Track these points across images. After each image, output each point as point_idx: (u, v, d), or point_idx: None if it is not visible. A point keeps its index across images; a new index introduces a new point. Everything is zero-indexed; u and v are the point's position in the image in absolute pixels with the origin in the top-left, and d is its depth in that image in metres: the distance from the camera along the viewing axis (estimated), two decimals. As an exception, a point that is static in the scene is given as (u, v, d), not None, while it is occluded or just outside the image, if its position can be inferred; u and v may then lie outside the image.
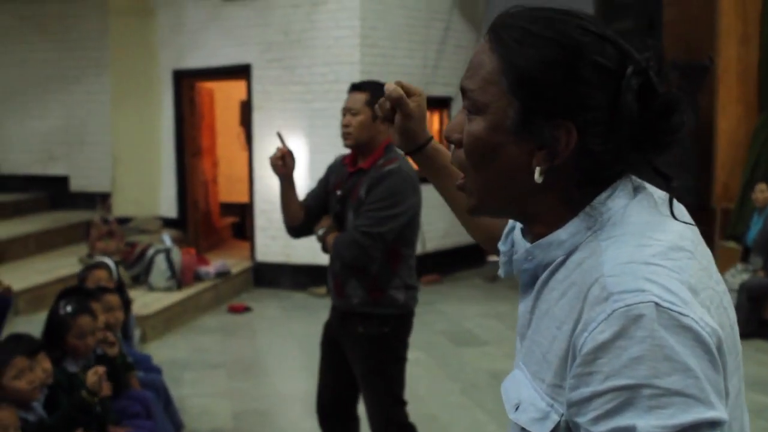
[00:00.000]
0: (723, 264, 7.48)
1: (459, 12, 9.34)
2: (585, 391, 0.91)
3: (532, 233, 1.12)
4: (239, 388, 5.65)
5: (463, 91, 1.10)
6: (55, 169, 10.29)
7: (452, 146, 1.15)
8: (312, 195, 3.53)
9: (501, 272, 1.51)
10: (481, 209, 1.14)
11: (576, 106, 1.00)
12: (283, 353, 6.63)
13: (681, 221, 1.05)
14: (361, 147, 3.31)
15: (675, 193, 1.07)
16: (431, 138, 1.55)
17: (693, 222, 1.08)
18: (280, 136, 3.40)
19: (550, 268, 1.07)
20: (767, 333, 6.60)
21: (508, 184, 1.07)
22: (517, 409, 1.08)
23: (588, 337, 0.92)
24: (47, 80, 10.15)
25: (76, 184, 10.25)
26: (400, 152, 3.39)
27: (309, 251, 8.63)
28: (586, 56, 1.00)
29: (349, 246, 3.21)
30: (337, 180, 3.43)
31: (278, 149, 3.28)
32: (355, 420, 3.61)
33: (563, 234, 1.05)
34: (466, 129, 1.08)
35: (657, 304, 0.89)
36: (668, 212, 1.05)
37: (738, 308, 6.52)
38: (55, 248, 8.47)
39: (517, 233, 1.41)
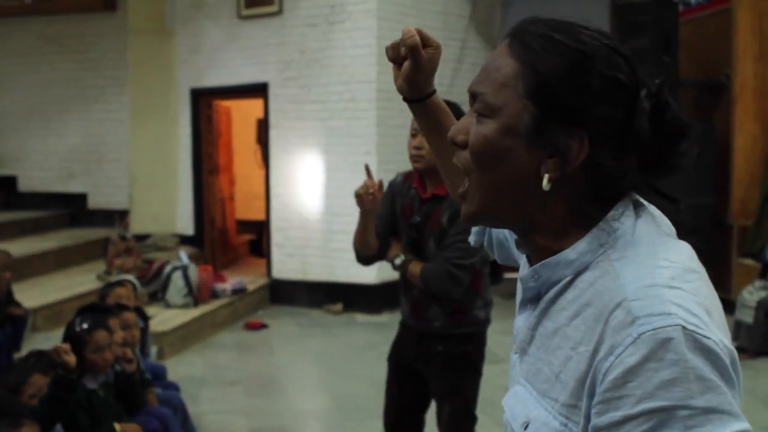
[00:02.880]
0: (740, 281, 7.44)
1: (475, 31, 9.38)
2: (615, 415, 0.91)
3: (534, 245, 1.11)
4: (256, 405, 5.66)
5: (474, 95, 1.09)
6: (74, 187, 10.37)
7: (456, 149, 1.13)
8: (379, 221, 3.34)
9: (471, 239, 1.52)
10: (481, 215, 1.12)
11: (591, 117, 1.00)
12: (300, 370, 6.64)
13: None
14: (432, 171, 3.07)
15: (678, 215, 1.08)
16: (434, 91, 1.51)
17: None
18: (367, 169, 3.21)
19: (558, 288, 1.06)
20: (786, 351, 6.55)
21: (514, 189, 1.06)
22: (526, 427, 1.07)
23: (615, 361, 0.92)
24: (67, 99, 10.25)
25: (95, 202, 10.32)
26: None
27: (325, 269, 8.68)
28: (606, 70, 1.01)
29: (443, 279, 3.10)
30: (406, 204, 3.30)
31: (366, 183, 3.13)
32: None
33: (572, 253, 1.04)
34: (475, 131, 1.07)
35: (683, 327, 0.90)
36: (672, 231, 1.07)
37: (755, 326, 6.48)
38: (73, 265, 8.53)
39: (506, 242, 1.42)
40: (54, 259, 8.35)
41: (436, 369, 3.30)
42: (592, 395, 0.95)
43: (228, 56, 9.16)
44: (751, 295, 6.69)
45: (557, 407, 1.02)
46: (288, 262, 8.96)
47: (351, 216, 8.33)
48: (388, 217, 3.35)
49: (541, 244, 1.09)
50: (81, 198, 10.35)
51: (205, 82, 9.39)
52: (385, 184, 3.32)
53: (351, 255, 9.22)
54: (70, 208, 10.30)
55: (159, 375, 4.75)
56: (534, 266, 1.10)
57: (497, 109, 1.04)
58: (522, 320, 1.14)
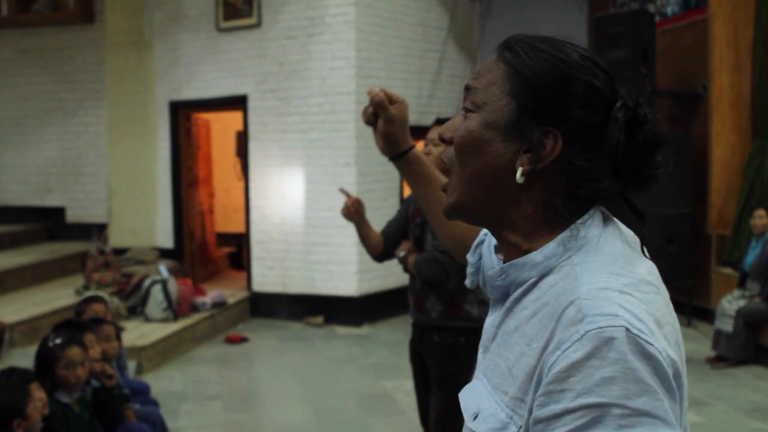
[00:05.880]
0: (719, 290, 7.48)
1: (453, 43, 9.41)
2: (555, 407, 0.94)
3: (506, 243, 1.16)
4: (236, 419, 5.62)
5: (467, 89, 1.17)
6: (52, 201, 10.29)
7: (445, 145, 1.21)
8: (393, 222, 3.90)
9: (468, 282, 1.57)
10: (459, 207, 1.18)
11: (567, 118, 1.07)
12: (280, 384, 6.60)
13: (647, 258, 1.10)
14: None
15: (645, 231, 1.12)
16: (413, 146, 1.64)
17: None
18: (343, 191, 3.74)
19: (523, 288, 1.11)
20: (765, 359, 6.59)
21: (490, 181, 1.12)
22: (475, 418, 1.12)
23: (561, 356, 0.95)
24: (45, 112, 10.18)
25: (73, 215, 10.24)
26: None
27: (305, 281, 8.65)
28: (581, 76, 1.08)
29: (430, 263, 3.52)
30: (415, 208, 3.75)
31: (347, 202, 3.67)
32: None
33: (538, 256, 1.09)
34: (461, 125, 1.15)
35: (627, 329, 0.94)
36: (637, 247, 1.11)
37: (735, 335, 6.52)
38: (51, 280, 8.45)
39: (486, 249, 1.46)
40: (31, 273, 8.27)
41: (432, 359, 3.65)
42: (537, 389, 0.99)
43: (207, 69, 9.14)
44: (730, 304, 6.73)
45: (506, 400, 1.07)
46: (268, 275, 8.93)
47: (331, 228, 8.39)
48: (401, 221, 3.86)
49: (512, 243, 1.14)
50: (59, 212, 10.28)
51: (184, 94, 9.36)
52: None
53: (331, 267, 9.24)
54: (48, 222, 10.22)
55: (140, 391, 4.70)
56: (502, 266, 1.15)
57: (482, 105, 1.13)
58: (490, 320, 1.20)
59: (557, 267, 1.07)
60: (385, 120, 1.58)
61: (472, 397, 1.17)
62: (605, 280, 1.01)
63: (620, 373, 0.91)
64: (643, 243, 1.11)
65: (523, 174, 1.08)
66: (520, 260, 1.11)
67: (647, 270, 1.07)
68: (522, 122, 1.08)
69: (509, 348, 1.09)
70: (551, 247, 1.08)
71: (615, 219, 1.14)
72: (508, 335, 1.11)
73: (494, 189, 1.12)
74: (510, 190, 1.11)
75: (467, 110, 1.15)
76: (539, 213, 1.11)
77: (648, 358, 0.93)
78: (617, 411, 0.90)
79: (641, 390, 0.91)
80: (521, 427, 1.02)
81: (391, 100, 1.58)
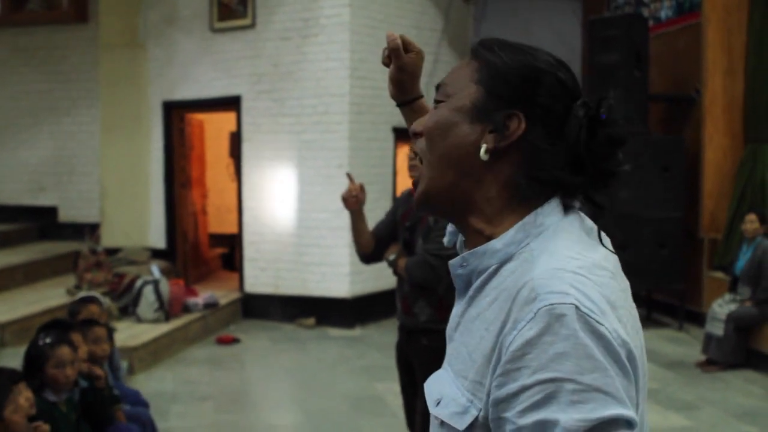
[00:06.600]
0: (710, 294, 7.50)
1: (447, 45, 9.41)
2: (513, 386, 0.96)
3: (469, 229, 1.19)
4: (227, 420, 5.61)
5: (438, 87, 1.23)
6: (44, 200, 10.26)
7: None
8: (381, 225, 3.84)
9: (445, 239, 1.61)
10: (428, 195, 1.20)
11: (531, 103, 1.12)
12: (272, 385, 6.60)
13: (606, 248, 1.14)
14: None
15: (603, 224, 1.16)
16: (421, 96, 1.69)
17: (614, 251, 1.16)
18: (349, 175, 3.72)
19: (484, 276, 1.13)
20: (755, 363, 6.61)
21: (456, 161, 1.16)
22: (438, 404, 1.15)
23: (517, 335, 0.98)
24: (38, 111, 10.15)
25: (65, 215, 10.21)
26: None
27: (298, 282, 8.65)
28: (548, 69, 1.14)
29: (421, 267, 3.48)
30: (404, 211, 3.73)
31: (349, 187, 3.64)
32: None
33: (498, 244, 1.12)
34: (430, 115, 1.21)
35: (577, 307, 0.96)
36: (596, 237, 1.14)
37: (725, 338, 6.53)
38: (43, 279, 8.42)
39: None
40: (23, 273, 8.25)
41: (420, 362, 3.60)
42: (495, 370, 1.01)
43: (200, 69, 9.13)
44: (721, 308, 6.74)
45: (466, 384, 1.09)
46: (260, 276, 8.92)
47: (324, 230, 8.39)
48: (389, 224, 3.81)
49: (475, 228, 1.17)
50: (51, 211, 10.25)
51: (178, 95, 9.34)
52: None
53: (323, 269, 9.21)
54: (40, 222, 10.18)
55: (130, 394, 4.68)
56: (463, 254, 1.17)
57: (452, 94, 1.19)
58: (455, 310, 1.22)
59: (516, 254, 1.10)
60: (396, 66, 1.61)
61: (436, 385, 1.20)
62: (560, 262, 1.03)
63: (572, 349, 0.94)
64: (604, 234, 1.14)
65: (486, 151, 1.12)
66: (480, 248, 1.14)
67: (603, 257, 1.10)
68: (488, 106, 1.13)
69: (470, 335, 1.12)
70: (510, 234, 1.12)
71: (576, 209, 1.17)
72: (470, 323, 1.13)
73: (460, 169, 1.15)
74: (475, 170, 1.14)
75: (437, 102, 1.21)
76: (502, 196, 1.14)
77: (598, 336, 0.95)
78: (570, 386, 0.92)
79: (593, 366, 0.93)
80: (481, 410, 1.04)
81: (407, 48, 1.60)
